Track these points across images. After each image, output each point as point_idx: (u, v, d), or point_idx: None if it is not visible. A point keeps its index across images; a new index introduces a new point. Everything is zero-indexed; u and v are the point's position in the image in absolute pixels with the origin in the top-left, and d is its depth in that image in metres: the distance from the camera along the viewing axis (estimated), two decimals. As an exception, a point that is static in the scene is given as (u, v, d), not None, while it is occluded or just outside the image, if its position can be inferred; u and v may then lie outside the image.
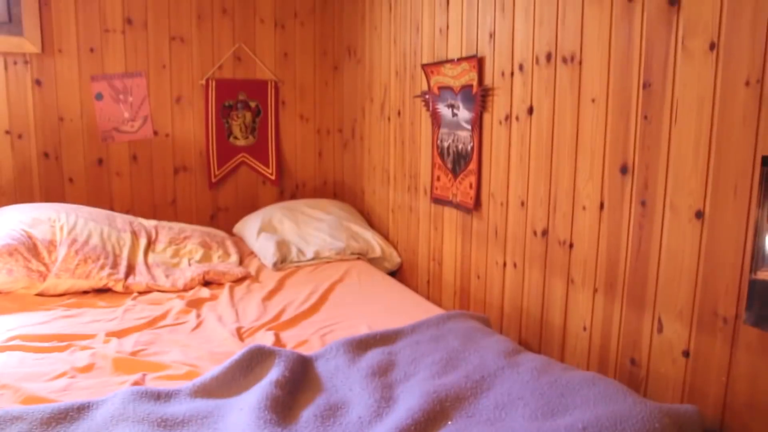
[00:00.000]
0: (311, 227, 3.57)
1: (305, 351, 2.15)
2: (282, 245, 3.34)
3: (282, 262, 3.26)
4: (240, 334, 2.41)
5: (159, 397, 1.80)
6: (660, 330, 1.85)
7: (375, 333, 2.19)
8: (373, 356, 2.05)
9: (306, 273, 3.18)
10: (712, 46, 1.62)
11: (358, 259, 3.39)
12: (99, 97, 3.55)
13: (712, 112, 1.64)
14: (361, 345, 2.11)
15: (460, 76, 2.69)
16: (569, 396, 1.70)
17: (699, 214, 1.70)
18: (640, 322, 1.92)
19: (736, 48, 1.57)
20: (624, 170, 1.93)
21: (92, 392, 1.90)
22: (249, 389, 1.86)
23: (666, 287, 1.83)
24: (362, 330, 2.38)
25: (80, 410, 1.71)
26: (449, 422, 1.66)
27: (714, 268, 1.68)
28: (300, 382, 1.90)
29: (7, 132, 3.41)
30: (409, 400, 1.74)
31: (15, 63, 3.38)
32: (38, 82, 3.44)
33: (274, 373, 1.89)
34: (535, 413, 1.65)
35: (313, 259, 3.32)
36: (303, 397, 1.85)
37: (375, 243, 3.48)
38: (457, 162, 2.79)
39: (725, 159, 1.62)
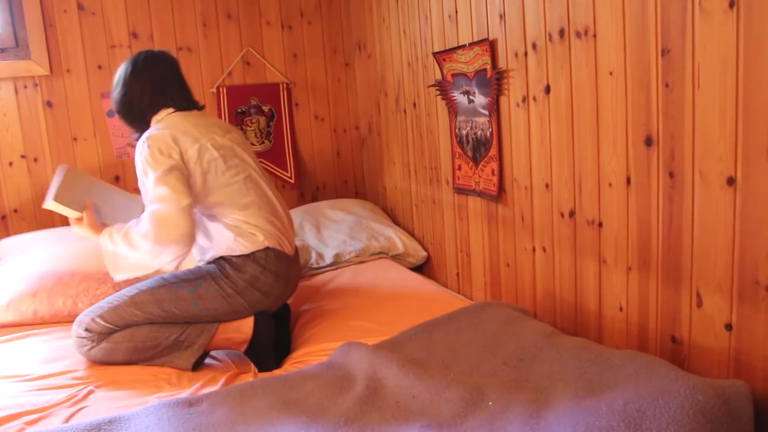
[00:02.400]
0: (331, 229, 3.54)
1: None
2: (301, 250, 3.31)
3: (302, 268, 3.24)
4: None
5: (191, 404, 1.79)
6: (699, 304, 1.79)
7: (411, 329, 2.17)
8: (411, 350, 2.04)
9: (325, 277, 3.15)
10: (731, 4, 1.56)
11: (381, 257, 3.35)
12: (111, 114, 3.55)
13: (737, 73, 1.58)
14: (396, 344, 2.10)
15: (473, 61, 2.64)
16: (610, 373, 1.66)
17: (731, 181, 1.63)
18: (677, 297, 1.86)
19: (756, 3, 1.50)
20: (649, 142, 1.87)
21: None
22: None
23: (702, 259, 1.76)
24: (389, 330, 2.34)
25: (111, 423, 1.72)
26: (490, 403, 1.64)
27: (751, 235, 1.61)
28: (333, 378, 1.89)
29: (23, 156, 3.42)
30: (447, 386, 1.73)
31: (25, 87, 3.39)
32: (49, 104, 3.45)
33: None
34: (576, 391, 1.62)
35: (333, 263, 3.29)
36: (338, 389, 1.85)
37: (397, 239, 3.43)
38: (477, 149, 2.74)
39: (754, 120, 1.55)
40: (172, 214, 2.19)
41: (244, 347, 2.43)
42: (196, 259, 2.55)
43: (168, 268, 2.36)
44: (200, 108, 2.59)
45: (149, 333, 2.33)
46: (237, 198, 2.42)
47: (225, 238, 2.41)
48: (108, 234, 2.26)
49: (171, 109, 2.47)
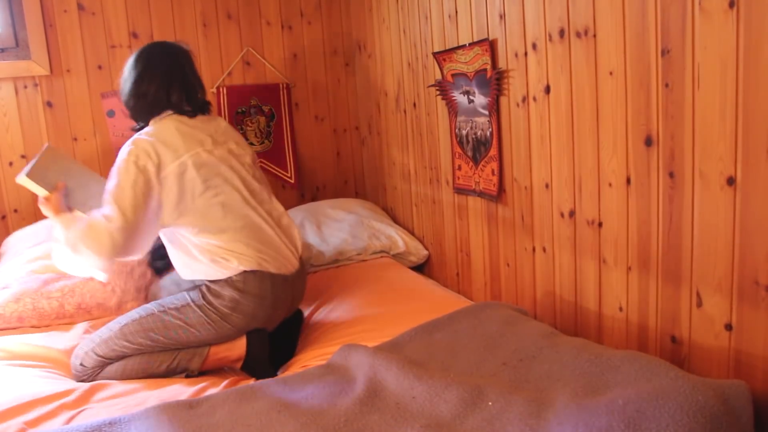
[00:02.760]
0: (332, 228, 3.53)
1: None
2: (303, 249, 3.30)
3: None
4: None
5: (191, 406, 1.79)
6: (699, 304, 1.78)
7: (411, 330, 2.17)
8: (411, 351, 2.04)
9: (326, 276, 3.16)
10: (731, 4, 1.55)
11: (382, 256, 3.35)
12: (111, 114, 3.54)
13: (737, 73, 1.58)
14: (396, 345, 2.10)
15: (473, 61, 2.64)
16: (610, 373, 1.66)
17: (731, 181, 1.63)
18: (677, 297, 1.86)
19: (756, 3, 1.50)
20: (649, 142, 1.87)
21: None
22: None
23: (702, 259, 1.76)
24: (390, 332, 2.34)
25: (112, 425, 1.72)
26: (489, 403, 1.64)
27: (751, 235, 1.61)
28: (333, 380, 1.89)
29: (23, 156, 3.42)
30: (447, 386, 1.73)
31: (25, 87, 3.39)
32: (49, 104, 3.44)
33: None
34: (576, 391, 1.62)
35: (334, 261, 3.29)
36: (338, 391, 1.84)
37: (398, 238, 3.43)
38: (477, 149, 2.74)
39: (754, 120, 1.55)
40: (105, 228, 2.13)
41: (239, 364, 2.38)
42: (184, 277, 2.48)
43: (97, 276, 2.28)
44: (205, 110, 2.51)
45: (140, 365, 2.30)
46: (212, 222, 2.33)
47: (200, 261, 2.34)
48: (63, 220, 2.21)
49: (170, 111, 2.40)
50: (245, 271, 2.32)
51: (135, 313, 2.37)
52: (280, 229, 2.49)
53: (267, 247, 2.40)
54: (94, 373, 2.30)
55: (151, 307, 2.38)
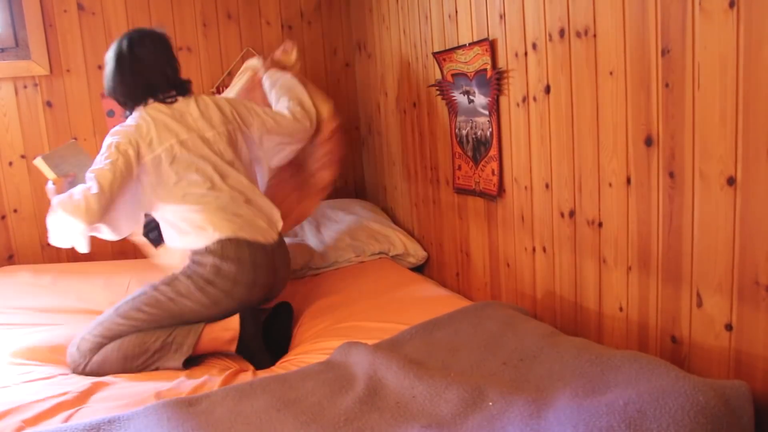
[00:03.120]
0: (331, 229, 3.54)
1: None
2: (301, 250, 3.30)
3: (302, 268, 3.24)
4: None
5: (190, 404, 1.79)
6: (699, 304, 1.78)
7: (411, 328, 2.17)
8: (411, 350, 2.03)
9: (326, 277, 3.15)
10: (731, 4, 1.55)
11: (381, 258, 3.35)
12: (111, 114, 3.55)
13: (737, 73, 1.57)
14: (396, 344, 2.09)
15: (473, 61, 2.64)
16: (610, 373, 1.66)
17: (731, 181, 1.63)
18: (677, 297, 1.86)
19: (756, 3, 1.50)
20: (649, 142, 1.87)
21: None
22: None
23: (702, 259, 1.76)
24: (390, 331, 2.34)
25: (111, 423, 1.71)
26: (490, 403, 1.63)
27: (751, 235, 1.61)
28: (332, 378, 1.89)
29: (23, 156, 3.43)
30: (447, 386, 1.73)
31: (25, 87, 3.39)
32: (49, 104, 3.45)
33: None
34: (576, 391, 1.61)
35: (332, 263, 3.29)
36: (338, 389, 1.84)
37: (396, 239, 3.43)
38: (477, 149, 2.74)
39: (754, 120, 1.55)
40: (83, 193, 2.27)
41: (233, 346, 2.45)
42: (178, 248, 2.61)
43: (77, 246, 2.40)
44: (185, 91, 2.66)
45: (136, 340, 2.38)
46: (188, 202, 2.51)
47: (182, 232, 2.52)
48: (59, 198, 2.32)
49: (151, 99, 2.56)
50: (222, 239, 2.48)
51: (128, 296, 2.51)
52: (252, 205, 2.64)
53: (240, 219, 2.55)
54: (90, 355, 2.37)
55: (142, 288, 2.51)
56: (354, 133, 4.19)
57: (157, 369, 2.37)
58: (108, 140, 2.42)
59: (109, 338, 2.38)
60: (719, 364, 1.75)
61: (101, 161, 2.35)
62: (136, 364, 2.36)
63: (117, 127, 2.48)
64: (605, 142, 2.03)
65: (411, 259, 3.41)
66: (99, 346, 2.37)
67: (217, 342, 2.45)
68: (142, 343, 2.37)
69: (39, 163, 2.47)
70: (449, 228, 3.15)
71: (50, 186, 2.44)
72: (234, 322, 2.44)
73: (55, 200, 2.29)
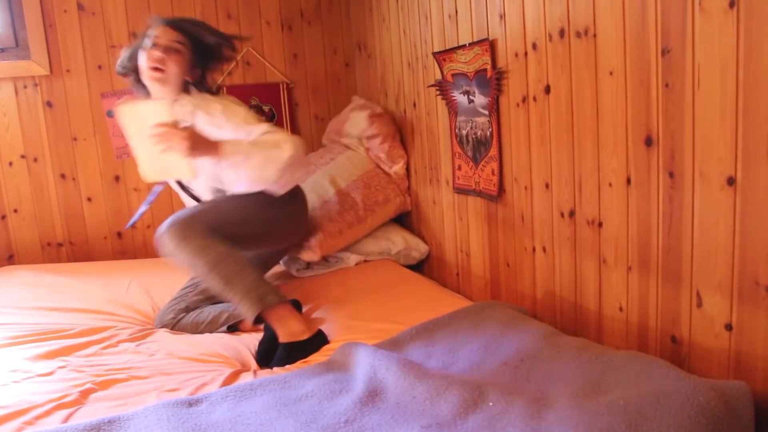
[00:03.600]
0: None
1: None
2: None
3: (305, 269, 3.24)
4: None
5: (190, 404, 1.79)
6: (699, 304, 1.78)
7: (411, 329, 2.16)
8: (411, 350, 2.04)
9: (326, 277, 3.16)
10: (731, 4, 1.55)
11: (382, 258, 3.35)
12: (110, 114, 3.55)
13: (737, 73, 1.57)
14: (396, 344, 2.09)
15: (473, 61, 2.64)
16: (611, 374, 1.66)
17: (731, 181, 1.63)
18: (677, 297, 1.86)
19: (756, 3, 1.50)
20: (649, 142, 1.87)
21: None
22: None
23: (702, 259, 1.76)
24: (390, 331, 2.34)
25: (111, 423, 1.71)
26: (490, 404, 1.63)
27: (751, 235, 1.61)
28: (333, 379, 1.88)
29: (23, 156, 3.42)
30: (448, 386, 1.72)
31: (25, 87, 3.39)
32: (49, 104, 3.45)
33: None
34: (577, 392, 1.61)
35: (332, 264, 3.28)
36: (338, 389, 1.84)
37: (397, 237, 3.43)
38: (477, 149, 2.74)
39: (754, 120, 1.55)
40: (291, 139, 2.45)
41: (300, 336, 2.38)
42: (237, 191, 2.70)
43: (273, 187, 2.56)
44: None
45: (237, 256, 2.45)
46: None
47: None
48: (228, 145, 2.37)
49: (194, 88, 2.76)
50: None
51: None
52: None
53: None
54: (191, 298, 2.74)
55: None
56: (354, 133, 4.19)
57: (230, 300, 2.43)
58: (232, 108, 2.61)
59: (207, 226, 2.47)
60: (719, 364, 1.75)
61: (272, 129, 2.50)
62: (222, 273, 2.38)
63: (211, 98, 2.69)
64: (605, 142, 2.03)
65: (414, 254, 3.40)
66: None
67: (286, 323, 2.41)
68: (238, 260, 2.42)
69: (158, 106, 2.29)
70: (449, 228, 3.15)
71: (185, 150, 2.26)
72: (316, 324, 2.49)
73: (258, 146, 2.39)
